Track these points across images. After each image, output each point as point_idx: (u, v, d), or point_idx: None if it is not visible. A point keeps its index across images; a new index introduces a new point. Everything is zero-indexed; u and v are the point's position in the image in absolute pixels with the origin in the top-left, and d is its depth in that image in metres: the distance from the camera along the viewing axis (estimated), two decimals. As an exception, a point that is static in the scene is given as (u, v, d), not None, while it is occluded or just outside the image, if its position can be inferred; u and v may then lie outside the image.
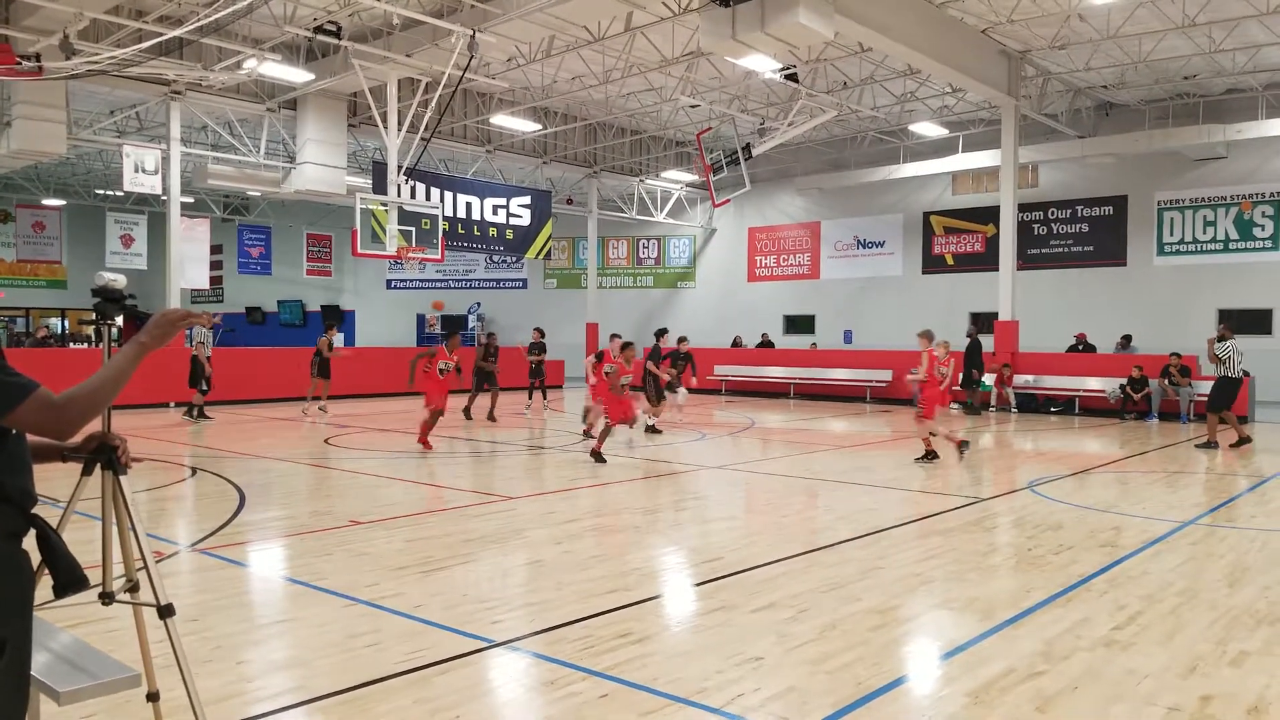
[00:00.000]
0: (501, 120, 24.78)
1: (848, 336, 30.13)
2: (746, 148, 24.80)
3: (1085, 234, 26.17)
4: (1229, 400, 14.33)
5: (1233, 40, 19.32)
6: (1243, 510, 9.09)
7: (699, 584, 6.25)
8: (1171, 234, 24.88)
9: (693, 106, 24.39)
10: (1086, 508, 9.06)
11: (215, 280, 35.47)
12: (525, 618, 5.33)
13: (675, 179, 32.07)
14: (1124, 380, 19.41)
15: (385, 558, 6.75)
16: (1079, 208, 26.27)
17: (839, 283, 31.04)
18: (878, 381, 23.68)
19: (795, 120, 23.32)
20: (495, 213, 26.59)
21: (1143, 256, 25.26)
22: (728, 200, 28.82)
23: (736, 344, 29.92)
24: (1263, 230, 23.54)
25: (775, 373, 25.85)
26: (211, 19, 15.00)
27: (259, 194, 28.34)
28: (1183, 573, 6.49)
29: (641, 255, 36.03)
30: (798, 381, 25.25)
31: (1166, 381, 19.16)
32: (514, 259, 35.04)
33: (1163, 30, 18.71)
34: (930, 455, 12.10)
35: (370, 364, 24.03)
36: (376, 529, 7.70)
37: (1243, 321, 23.56)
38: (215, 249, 29.90)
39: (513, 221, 27.11)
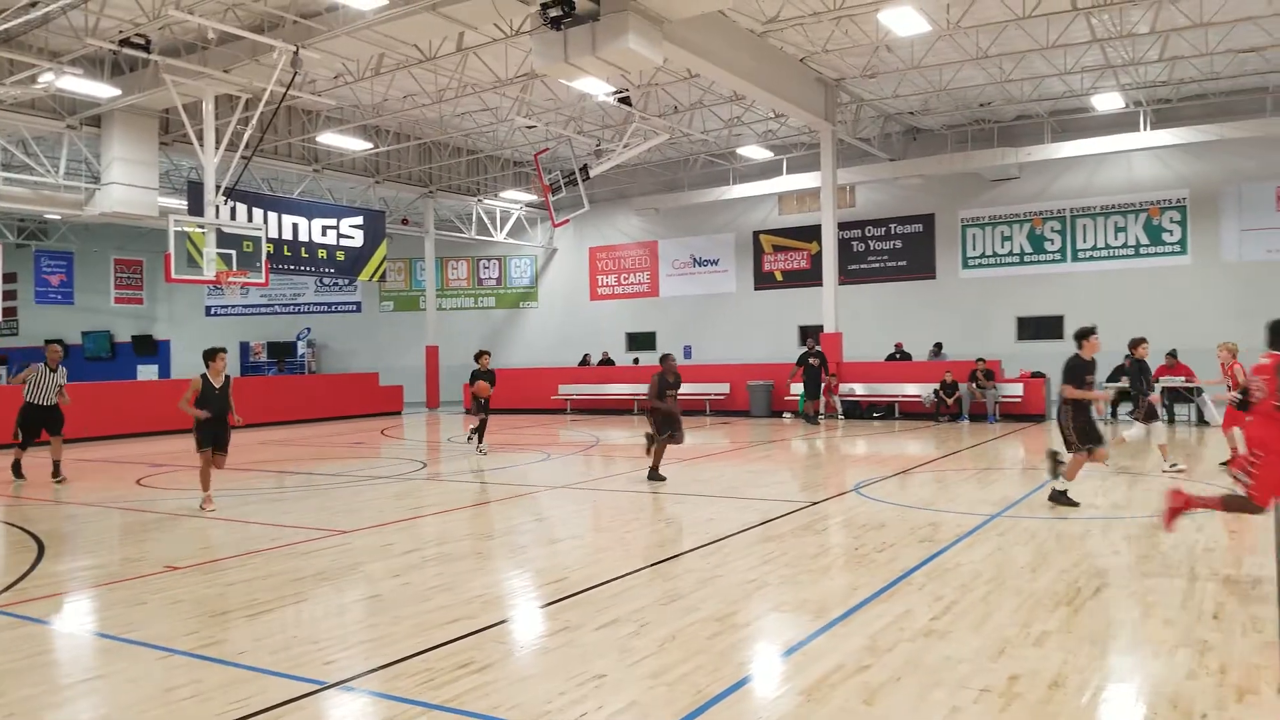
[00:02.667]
0: (329, 138, 24.05)
1: (687, 352, 30.81)
2: (584, 168, 25.05)
3: (899, 250, 27.86)
4: None
5: (1020, 71, 21.10)
6: (1042, 501, 9.88)
7: (543, 606, 6.23)
8: (974, 249, 26.85)
9: (529, 127, 24.44)
10: (907, 506, 9.62)
11: (8, 312, 32.66)
12: (360, 655, 5.17)
13: (514, 199, 31.99)
14: (937, 385, 20.75)
15: (205, 603, 6.38)
16: (892, 225, 27.95)
17: (678, 300, 31.75)
18: (716, 395, 24.33)
19: (630, 142, 23.76)
20: (324, 234, 25.73)
21: (950, 270, 27.12)
22: (567, 220, 28.97)
23: (585, 362, 30.08)
24: (1053, 244, 25.76)
25: (618, 390, 26.11)
26: (0, 29, 13.87)
27: (59, 217, 26.33)
28: (992, 562, 6.99)
29: (482, 275, 35.68)
30: (641, 398, 25.57)
31: (974, 385, 20.61)
32: (346, 281, 33.99)
33: (960, 61, 20.23)
34: None
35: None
36: (195, 573, 7.28)
37: (1038, 328, 25.69)
38: (8, 277, 27.55)
39: (344, 243, 26.31)
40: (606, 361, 29.32)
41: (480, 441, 15.87)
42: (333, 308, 36.80)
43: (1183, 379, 18.83)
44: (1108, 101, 22.68)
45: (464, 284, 35.83)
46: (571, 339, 32.62)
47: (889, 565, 6.97)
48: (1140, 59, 20.25)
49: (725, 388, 24.25)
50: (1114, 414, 19.68)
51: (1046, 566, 6.83)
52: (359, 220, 26.99)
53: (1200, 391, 18.63)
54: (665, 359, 12.40)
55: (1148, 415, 12.16)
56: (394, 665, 4.96)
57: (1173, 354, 19.40)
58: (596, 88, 18.44)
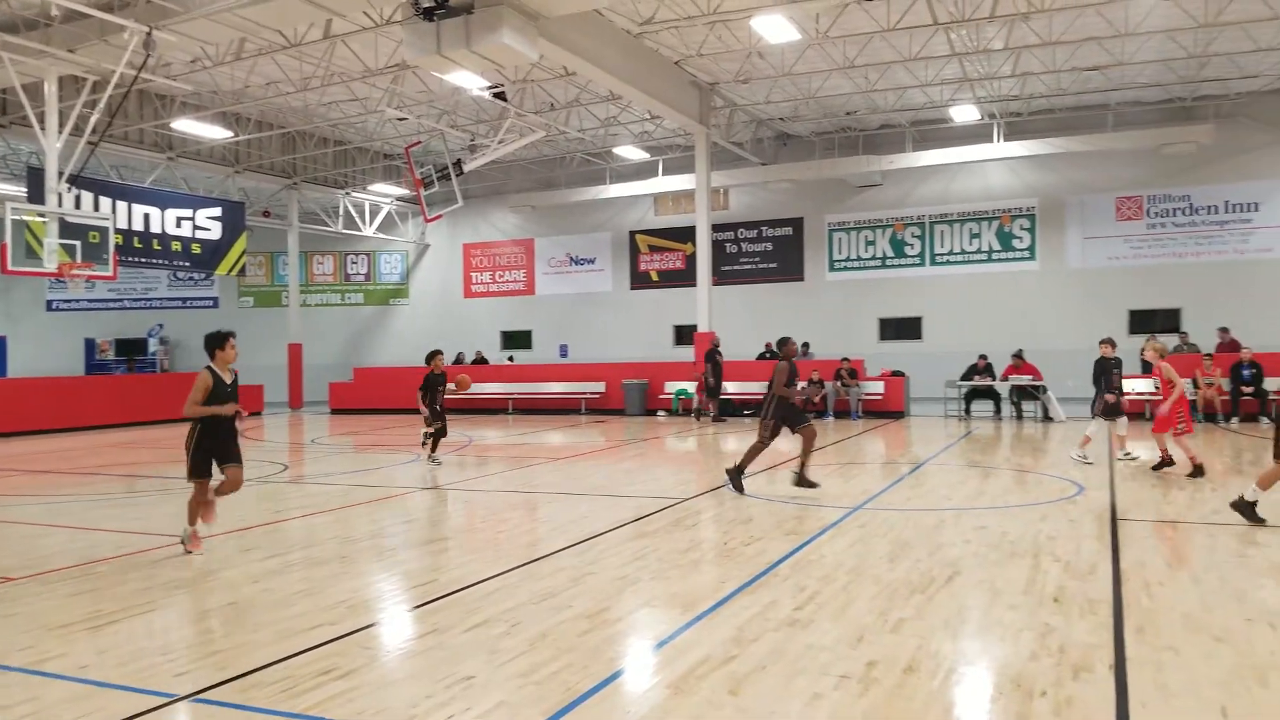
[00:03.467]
0: (185, 125, 22.89)
1: (563, 351, 30.77)
2: (458, 163, 24.65)
3: (770, 252, 28.59)
4: None
5: (884, 81, 21.97)
6: (901, 494, 10.32)
7: (412, 609, 6.10)
8: (840, 252, 27.82)
9: (400, 119, 23.88)
10: (775, 500, 9.88)
11: None
12: (215, 666, 4.94)
13: (384, 193, 31.21)
14: (805, 383, 21.35)
15: (43, 616, 5.97)
16: (763, 228, 28.66)
17: (554, 298, 31.66)
18: (592, 393, 24.38)
19: (505, 138, 23.53)
20: (179, 225, 24.50)
21: (817, 272, 28.01)
22: (440, 216, 28.46)
23: (458, 361, 29.60)
24: (913, 249, 26.94)
25: (492, 389, 25.83)
26: None
27: (-123, 201, 24.11)
28: (852, 553, 7.25)
29: (350, 271, 34.68)
30: (516, 397, 25.39)
31: (839, 384, 21.34)
32: (203, 276, 32.46)
33: (828, 70, 20.91)
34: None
35: (25, 398, 21.19)
36: (32, 585, 6.80)
37: (899, 329, 26.82)
38: None
39: (200, 235, 25.11)
40: (480, 361, 28.97)
41: (433, 450, 13.82)
42: (187, 303, 35.06)
43: (1029, 378, 19.99)
44: (965, 113, 23.87)
45: (330, 279, 34.74)
46: (444, 337, 32.02)
47: (756, 558, 7.13)
48: (995, 74, 21.40)
49: (601, 386, 24.34)
50: (968, 411, 20.73)
51: (903, 556, 7.13)
52: (217, 211, 25.80)
53: (1045, 389, 19.82)
54: (787, 343, 10.52)
55: (1107, 411, 12.43)
56: (251, 675, 4.76)
57: (1019, 354, 20.62)
58: (470, 82, 18.18)
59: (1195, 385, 18.46)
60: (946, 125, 25.22)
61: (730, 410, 22.53)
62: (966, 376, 21.02)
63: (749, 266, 28.81)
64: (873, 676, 4.56)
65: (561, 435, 19.10)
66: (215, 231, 25.60)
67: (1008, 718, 4.09)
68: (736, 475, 10.42)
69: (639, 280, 30.45)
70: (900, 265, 27.05)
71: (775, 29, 17.21)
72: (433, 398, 13.55)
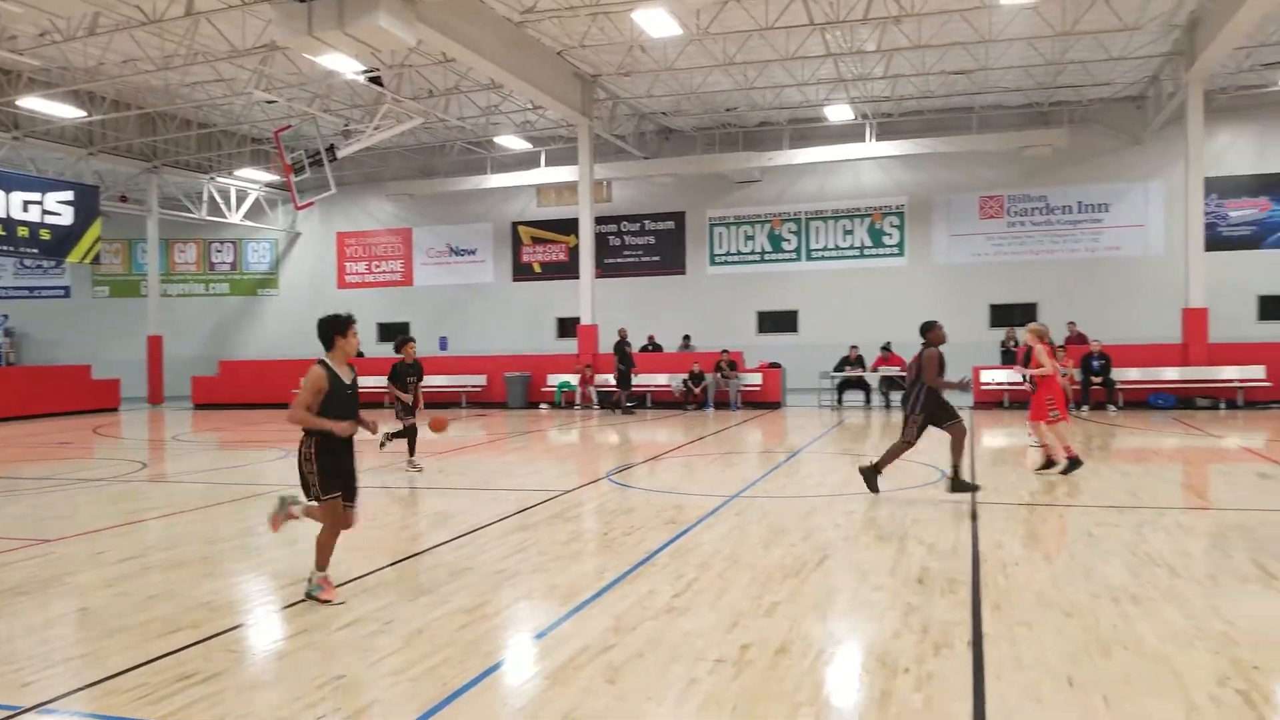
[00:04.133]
0: (33, 103, 21.42)
1: (443, 343, 30.24)
2: (331, 149, 23.87)
3: (652, 245, 28.83)
4: None
5: (763, 80, 22.42)
6: (776, 482, 10.58)
7: (281, 609, 5.89)
8: (720, 246, 28.28)
9: (269, 102, 22.95)
10: (655, 491, 9.98)
11: None
12: (66, 674, 4.65)
13: (252, 178, 29.97)
14: (685, 375, 21.67)
15: None
16: (646, 222, 28.87)
17: (433, 290, 31.07)
18: (473, 387, 24.06)
19: (381, 124, 22.92)
20: (26, 209, 22.94)
21: (699, 266, 28.40)
22: (312, 203, 27.54)
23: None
24: (790, 244, 27.63)
25: (367, 383, 25.10)
26: None
27: None
28: (729, 540, 7.40)
29: (215, 259, 33.20)
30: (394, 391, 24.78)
31: (719, 375, 21.71)
32: (53, 263, 30.47)
33: (709, 66, 21.19)
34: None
35: None
36: None
37: (776, 322, 27.47)
38: None
39: (49, 220, 23.57)
40: (357, 354, 28.19)
41: (412, 453, 12.01)
42: (35, 292, 32.88)
43: (897, 369, 20.80)
44: (839, 113, 24.58)
45: (193, 268, 33.18)
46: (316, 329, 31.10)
47: (636, 548, 7.19)
48: (868, 75, 22.13)
49: (482, 379, 24.05)
50: (840, 401, 21.42)
51: (777, 542, 7.31)
52: (68, 195, 24.27)
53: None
54: (934, 328, 9.11)
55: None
56: (104, 682, 4.51)
57: (886, 346, 21.46)
58: (345, 65, 17.64)
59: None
60: (822, 124, 25.93)
61: (612, 403, 22.61)
62: (839, 368, 21.71)
63: (632, 259, 28.97)
64: (747, 659, 4.66)
65: (451, 428, 18.76)
66: (66, 216, 24.07)
67: (873, 694, 4.25)
68: (873, 475, 9.27)
69: (521, 272, 30.21)
70: (778, 260, 27.69)
71: (657, 23, 17.32)
72: (403, 390, 11.93)
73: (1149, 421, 13.99)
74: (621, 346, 21.84)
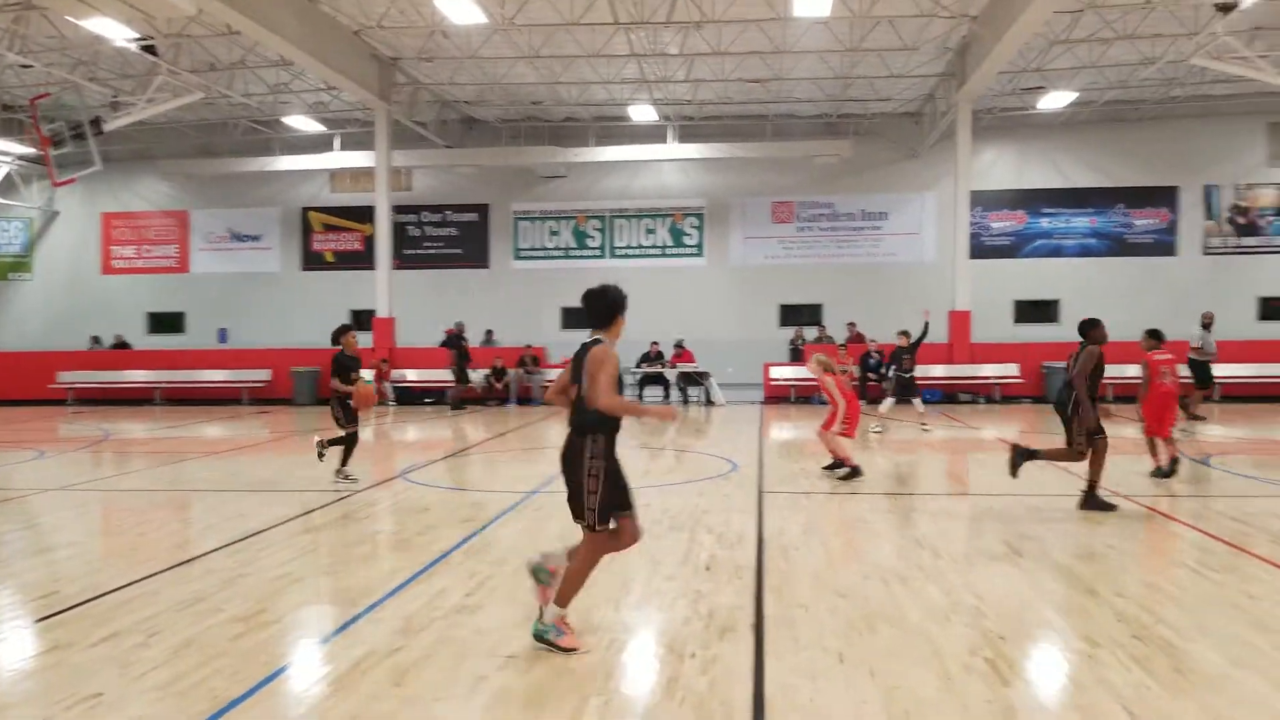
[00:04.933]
0: None
1: (222, 335, 28.39)
2: (96, 121, 21.79)
3: (455, 237, 28.29)
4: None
5: (569, 75, 22.48)
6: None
7: (27, 625, 5.32)
8: (525, 241, 28.15)
9: (24, 67, 20.67)
10: (453, 489, 9.80)
11: None
12: None
13: (2, 150, 26.91)
14: (488, 370, 21.41)
15: None
16: (448, 213, 28.29)
17: (212, 278, 29.09)
18: (256, 382, 22.74)
19: (155, 97, 21.17)
20: None
21: (503, 260, 28.15)
22: (73, 179, 24.99)
23: (96, 345, 26.37)
24: (594, 241, 27.89)
25: (137, 376, 23.24)
26: None
27: None
28: (526, 536, 7.36)
29: (-45, 239, 29.65)
30: (165, 385, 23.04)
31: (522, 371, 21.62)
32: None
33: (514, 58, 21.00)
34: None
35: None
36: None
37: (580, 318, 27.58)
38: None
39: None
40: (121, 345, 25.96)
41: (345, 463, 10.30)
42: None
43: (689, 365, 21.49)
44: (642, 113, 25.03)
45: (-69, 247, 29.49)
46: (77, 318, 28.41)
47: (429, 547, 7.02)
48: (670, 77, 22.64)
49: (267, 374, 22.76)
50: (641, 396, 21.84)
51: (574, 536, 7.30)
52: None
53: (709, 375, 21.35)
54: (1096, 326, 8.21)
55: (902, 391, 14.89)
56: None
57: (679, 343, 22.16)
58: (114, 31, 16.18)
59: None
60: (627, 123, 26.31)
61: (411, 398, 22.00)
62: (640, 364, 22.14)
63: (433, 251, 28.30)
64: (538, 654, 4.65)
65: (220, 427, 17.63)
66: None
67: (660, 680, 4.35)
68: (1092, 496, 8.24)
69: (312, 261, 28.82)
70: (582, 256, 27.88)
71: (460, 9, 16.98)
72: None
73: (918, 415, 15.14)
74: (458, 340, 21.38)
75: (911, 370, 15.71)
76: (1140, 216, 25.82)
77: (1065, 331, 25.31)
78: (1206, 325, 16.60)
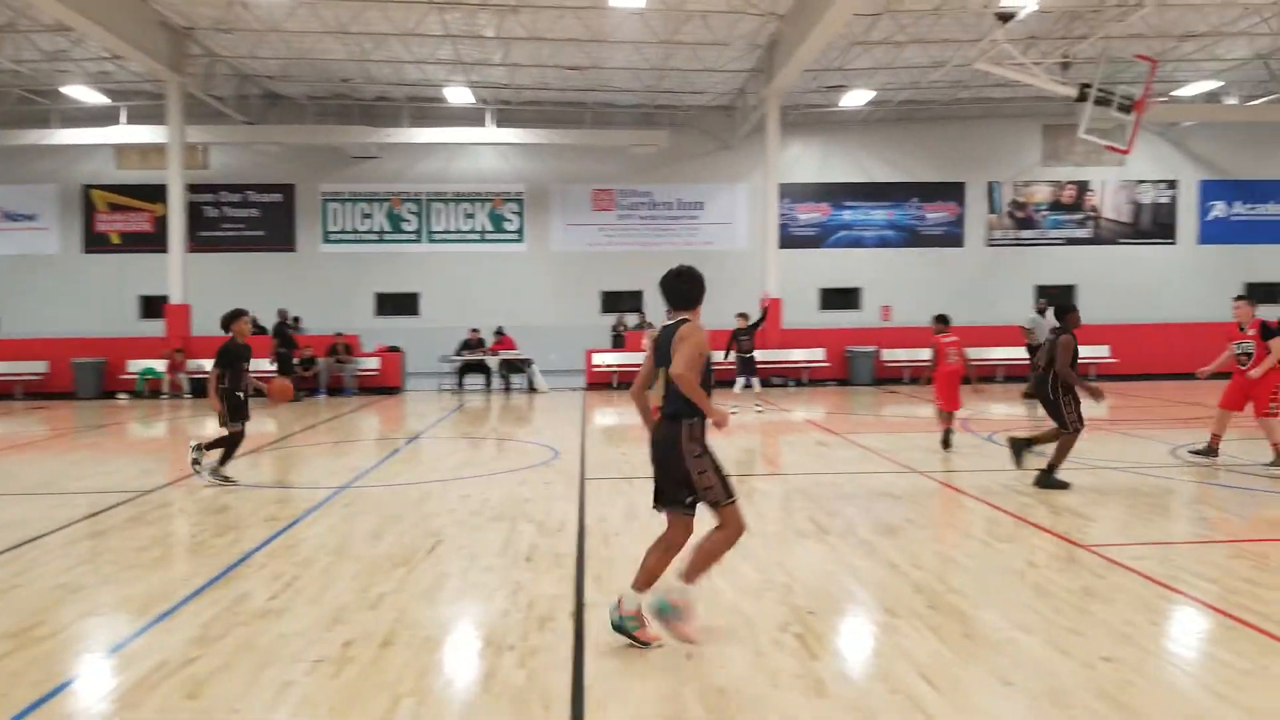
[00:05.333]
0: None
1: (-7, 323, 25.68)
2: None
3: (257, 219, 26.73)
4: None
5: (380, 53, 21.63)
6: (392, 469, 10.30)
7: None
8: (335, 224, 26.97)
9: None
10: (255, 486, 9.24)
11: None
12: None
13: None
14: (296, 360, 20.36)
15: None
16: (250, 193, 26.68)
17: (-22, 260, 26.21)
18: (31, 375, 20.69)
19: (-99, 56, 18.78)
20: None
21: (310, 243, 26.86)
22: None
23: None
24: (410, 225, 27.08)
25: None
26: None
27: None
28: (336, 533, 7.04)
29: None
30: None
31: (334, 360, 20.72)
32: None
33: (321, 32, 20.00)
34: None
35: None
36: None
37: (396, 305, 26.83)
38: None
39: None
40: None
41: (224, 463, 9.33)
42: None
43: (509, 351, 21.29)
44: (459, 95, 24.45)
45: None
46: None
47: (229, 549, 6.58)
48: (487, 60, 22.22)
49: (43, 366, 20.74)
50: (461, 384, 21.44)
51: (388, 531, 7.09)
52: None
53: (531, 363, 21.22)
54: (1073, 311, 8.46)
55: (743, 370, 15.87)
56: None
57: (499, 330, 21.96)
58: None
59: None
60: (443, 105, 25.64)
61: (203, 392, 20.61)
62: (460, 351, 21.72)
63: (233, 233, 26.61)
64: (349, 656, 4.45)
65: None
66: None
67: (477, 675, 4.26)
68: (1050, 476, 8.40)
69: (95, 243, 26.46)
70: (398, 241, 27.00)
71: (260, -22, 15.96)
72: (235, 381, 9.21)
73: (753, 395, 15.72)
74: (283, 329, 20.12)
75: (750, 351, 16.35)
76: (932, 210, 27.67)
77: (867, 318, 26.90)
78: (1040, 311, 18.32)
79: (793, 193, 26.75)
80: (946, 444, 10.89)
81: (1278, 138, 26.77)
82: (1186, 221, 27.73)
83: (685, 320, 4.64)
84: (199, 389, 20.33)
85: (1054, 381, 8.34)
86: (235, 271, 25.95)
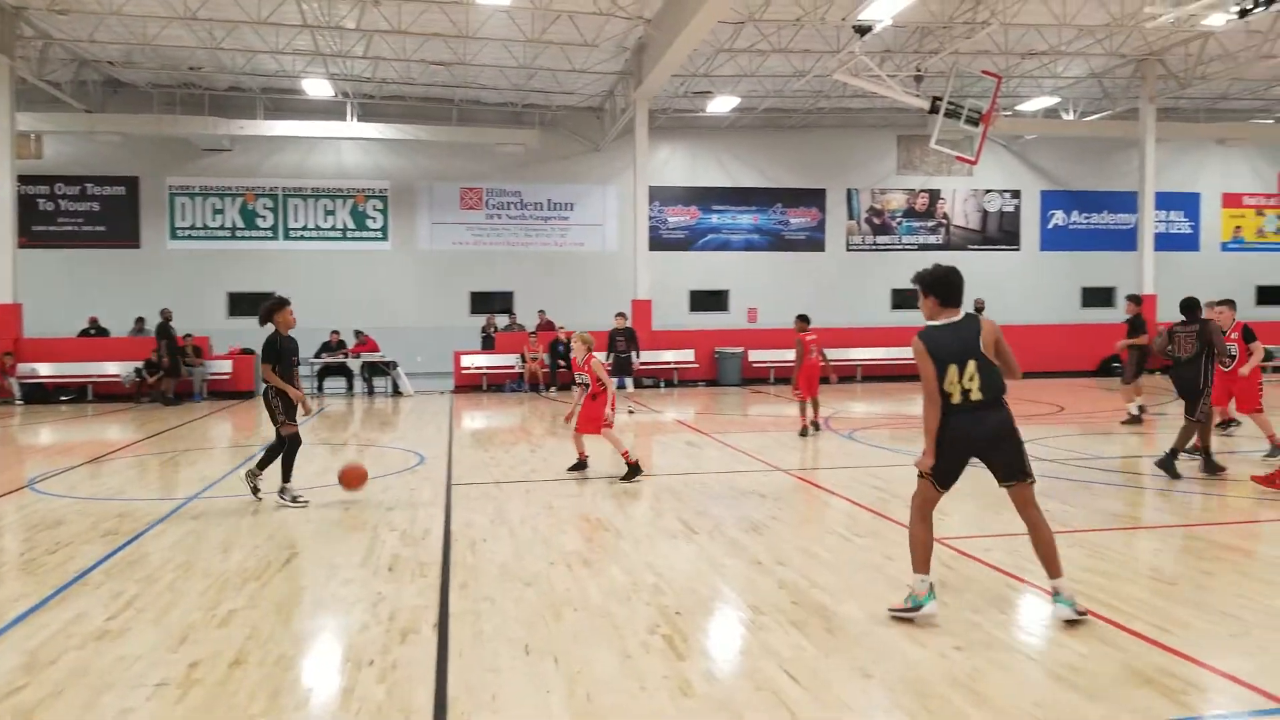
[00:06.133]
0: None
1: None
2: None
3: (97, 213, 25.09)
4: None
5: (232, 41, 20.61)
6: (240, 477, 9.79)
7: None
8: (184, 219, 25.58)
9: None
10: (93, 499, 8.63)
11: None
12: None
13: None
14: (140, 364, 19.20)
15: None
16: (89, 185, 25.03)
17: None
18: None
19: None
20: None
21: (156, 239, 25.41)
22: None
23: None
24: (265, 221, 25.96)
25: None
26: None
27: None
28: (182, 548, 6.63)
29: None
30: None
31: (183, 362, 19.60)
32: None
33: (167, 18, 18.88)
34: None
35: None
36: None
37: (252, 304, 25.58)
38: None
39: None
40: None
41: (288, 477, 8.23)
42: None
43: (377, 355, 20.70)
44: (318, 88, 23.55)
45: None
46: None
47: (62, 567, 6.10)
48: (347, 53, 21.49)
49: None
50: (321, 388, 20.69)
51: (239, 544, 6.73)
52: None
53: (396, 365, 20.66)
54: (1208, 308, 9.31)
55: (618, 370, 15.76)
56: None
57: (359, 332, 21.34)
58: None
59: (523, 359, 20.95)
60: (301, 97, 24.67)
61: (43, 396, 19.20)
62: (319, 354, 20.95)
63: (70, 228, 24.86)
64: (194, 678, 4.18)
65: None
66: None
67: (334, 692, 4.07)
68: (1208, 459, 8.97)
69: (-88, 236, 24.23)
70: (252, 238, 25.82)
71: (98, -44, 14.95)
72: (285, 377, 8.13)
73: (467, 401, 15.69)
74: (167, 329, 18.82)
75: (628, 352, 16.46)
76: (795, 216, 28.48)
77: (734, 319, 27.44)
78: (978, 310, 19.77)
79: (662, 196, 27.03)
80: (805, 433, 12.05)
81: (1110, 152, 28.77)
82: (1029, 229, 29.49)
83: (981, 311, 4.98)
84: (31, 395, 18.89)
85: (1205, 371, 8.80)
86: (73, 268, 24.30)
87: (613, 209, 27.50)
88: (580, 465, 9.65)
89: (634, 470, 9.17)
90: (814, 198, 28.50)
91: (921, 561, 4.86)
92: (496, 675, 4.21)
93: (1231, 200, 30.28)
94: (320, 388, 20.65)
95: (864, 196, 28.74)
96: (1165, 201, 27.75)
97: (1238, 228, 30.43)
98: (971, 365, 4.71)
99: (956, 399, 4.74)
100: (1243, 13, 15.07)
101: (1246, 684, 3.99)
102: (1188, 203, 29.86)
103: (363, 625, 4.93)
